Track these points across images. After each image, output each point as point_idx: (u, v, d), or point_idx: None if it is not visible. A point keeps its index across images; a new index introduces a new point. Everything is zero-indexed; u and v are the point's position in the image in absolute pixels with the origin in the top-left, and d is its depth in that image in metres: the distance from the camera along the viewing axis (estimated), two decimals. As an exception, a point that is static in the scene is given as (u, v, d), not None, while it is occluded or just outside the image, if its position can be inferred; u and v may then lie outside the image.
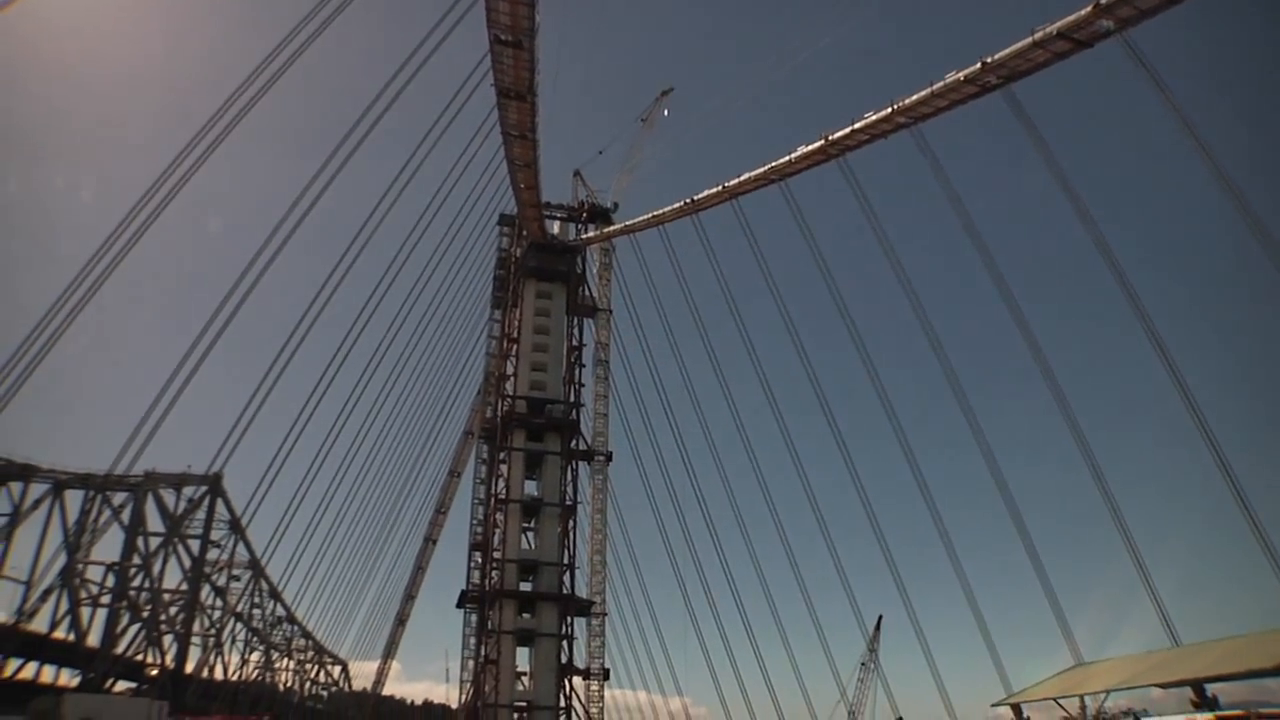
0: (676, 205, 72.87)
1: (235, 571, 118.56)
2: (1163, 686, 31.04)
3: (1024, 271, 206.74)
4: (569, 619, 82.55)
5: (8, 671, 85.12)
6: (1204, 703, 31.32)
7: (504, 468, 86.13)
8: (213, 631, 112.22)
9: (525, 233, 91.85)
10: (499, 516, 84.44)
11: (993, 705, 46.18)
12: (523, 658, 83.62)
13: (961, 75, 46.49)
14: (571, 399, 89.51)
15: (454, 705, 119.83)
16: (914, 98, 49.62)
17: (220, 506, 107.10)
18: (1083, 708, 32.40)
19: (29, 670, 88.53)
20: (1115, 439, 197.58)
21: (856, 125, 53.54)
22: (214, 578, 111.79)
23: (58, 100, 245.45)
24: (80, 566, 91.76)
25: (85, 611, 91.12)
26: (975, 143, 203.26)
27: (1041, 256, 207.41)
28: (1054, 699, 35.26)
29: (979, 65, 45.51)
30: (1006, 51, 44.19)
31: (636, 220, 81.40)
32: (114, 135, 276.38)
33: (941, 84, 47.85)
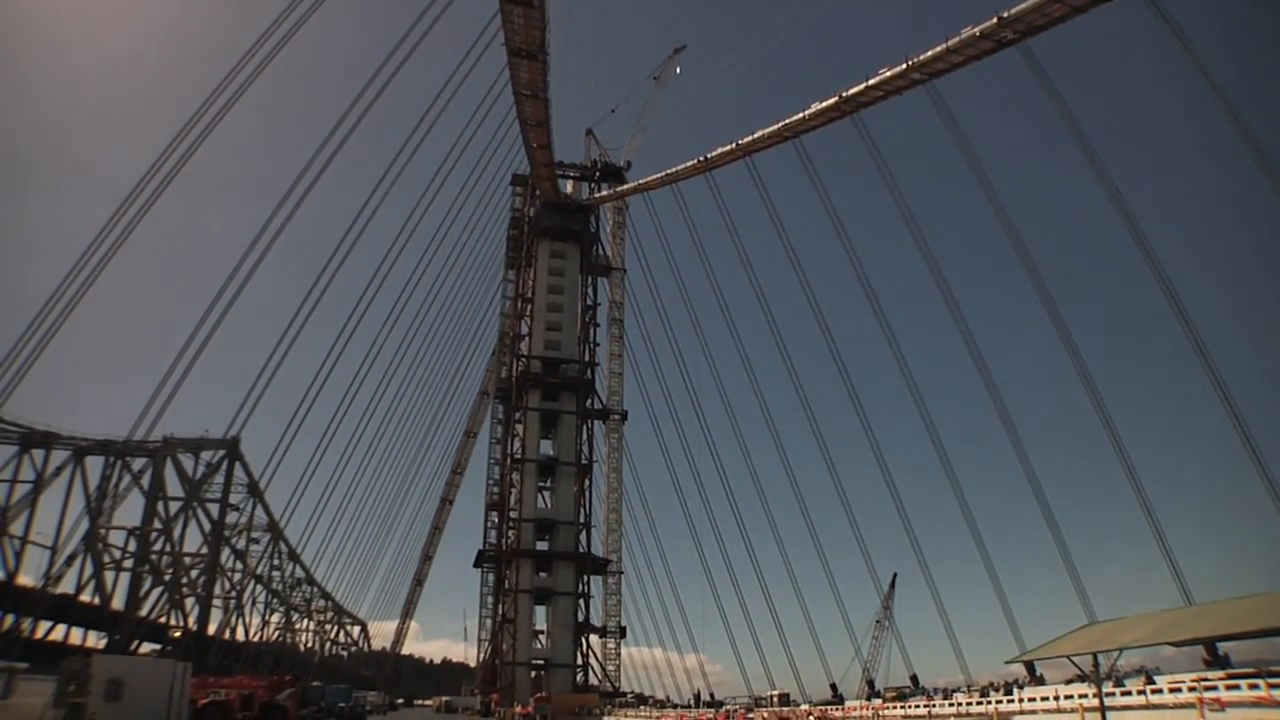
0: (690, 163, 72.18)
1: (254, 534, 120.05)
2: (1175, 645, 31.16)
3: (1036, 227, 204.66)
4: (585, 577, 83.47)
5: (39, 633, 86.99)
6: (1215, 660, 31.58)
7: (519, 427, 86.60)
8: (233, 594, 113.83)
9: (538, 192, 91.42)
10: (515, 476, 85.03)
11: (1006, 662, 46.76)
12: (540, 616, 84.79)
13: (977, 30, 45.75)
14: (586, 358, 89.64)
15: (472, 663, 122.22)
16: (929, 53, 48.98)
17: (238, 470, 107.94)
18: (1095, 665, 32.65)
19: (58, 632, 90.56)
20: (1131, 403, 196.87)
21: (871, 81, 52.90)
22: (233, 541, 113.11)
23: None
24: (102, 531, 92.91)
25: (109, 575, 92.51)
26: (991, 100, 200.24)
27: (1053, 211, 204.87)
28: (1067, 656, 35.53)
29: (995, 20, 44.75)
30: (1023, 6, 43.42)
31: (650, 179, 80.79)
32: (128, 97, 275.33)
33: (957, 39, 47.18)
